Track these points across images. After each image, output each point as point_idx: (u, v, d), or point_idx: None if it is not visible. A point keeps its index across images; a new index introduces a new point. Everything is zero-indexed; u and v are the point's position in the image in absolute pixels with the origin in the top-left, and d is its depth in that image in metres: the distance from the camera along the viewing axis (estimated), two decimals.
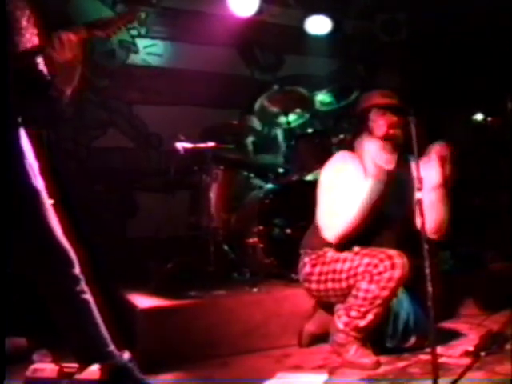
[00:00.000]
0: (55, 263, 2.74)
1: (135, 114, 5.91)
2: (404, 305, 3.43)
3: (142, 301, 3.73)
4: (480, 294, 4.46)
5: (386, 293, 3.19)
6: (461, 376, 2.87)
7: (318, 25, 6.77)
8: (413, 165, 3.38)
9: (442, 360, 3.04)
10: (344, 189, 3.38)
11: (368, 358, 3.26)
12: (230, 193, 4.80)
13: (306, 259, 3.57)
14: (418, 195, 2.88)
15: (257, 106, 5.25)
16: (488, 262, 4.86)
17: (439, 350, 2.87)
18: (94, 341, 2.80)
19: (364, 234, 3.35)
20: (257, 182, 4.96)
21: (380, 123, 3.49)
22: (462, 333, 3.84)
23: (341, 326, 3.34)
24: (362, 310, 3.24)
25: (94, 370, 2.76)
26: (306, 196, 4.27)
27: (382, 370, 3.20)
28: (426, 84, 6.10)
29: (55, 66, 2.62)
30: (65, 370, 2.96)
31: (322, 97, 5.75)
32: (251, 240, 4.34)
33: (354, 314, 3.28)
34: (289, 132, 5.43)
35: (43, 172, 2.80)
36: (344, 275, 3.34)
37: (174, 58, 6.11)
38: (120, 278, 4.30)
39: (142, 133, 5.95)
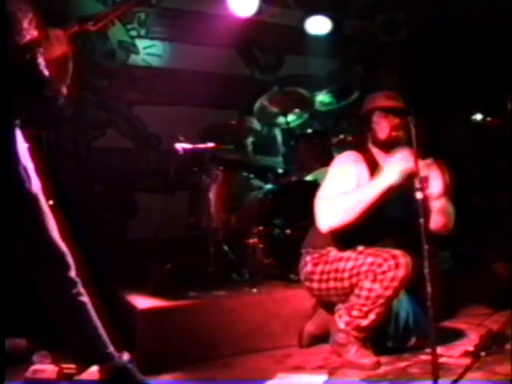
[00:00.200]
0: (52, 265, 2.74)
1: (135, 115, 5.91)
2: (404, 305, 3.42)
3: (142, 301, 3.73)
4: (480, 294, 4.46)
5: (389, 292, 3.19)
6: (461, 376, 2.87)
7: (318, 25, 6.77)
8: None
9: (442, 360, 3.04)
10: (346, 184, 3.38)
11: (368, 359, 3.25)
12: (229, 193, 4.80)
13: (308, 258, 3.56)
14: (418, 195, 2.88)
15: (256, 106, 5.25)
16: (488, 262, 4.86)
17: (439, 350, 2.86)
18: (92, 342, 2.80)
19: (367, 233, 3.34)
20: (256, 182, 4.96)
21: (383, 125, 3.48)
22: (462, 333, 3.83)
23: (342, 325, 3.33)
24: (365, 309, 3.24)
25: (93, 371, 2.76)
26: (306, 196, 4.27)
27: (382, 370, 3.20)
28: (425, 84, 6.10)
29: (46, 64, 2.59)
30: (64, 371, 2.97)
31: (321, 97, 5.76)
32: (251, 240, 4.34)
33: (355, 313, 3.27)
34: (288, 132, 5.43)
35: (42, 172, 2.79)
36: (347, 274, 3.33)
37: (174, 58, 6.11)
38: (120, 279, 4.30)
39: (142, 133, 5.95)
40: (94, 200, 5.42)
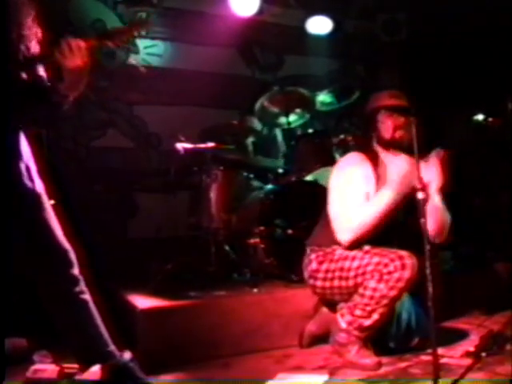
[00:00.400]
0: (55, 264, 2.74)
1: (135, 114, 5.91)
2: (406, 305, 3.42)
3: (143, 301, 3.73)
4: (481, 294, 4.46)
5: (394, 292, 3.18)
6: (461, 376, 2.86)
7: (319, 25, 6.77)
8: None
9: (443, 361, 3.05)
10: (357, 191, 3.39)
11: (369, 359, 3.25)
12: (230, 193, 4.79)
13: (313, 256, 3.55)
14: (419, 195, 2.88)
15: (257, 106, 5.25)
16: (489, 263, 4.85)
17: (440, 350, 2.86)
18: (93, 341, 2.80)
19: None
20: (257, 182, 4.96)
21: (387, 124, 3.50)
22: (463, 333, 3.83)
23: (343, 324, 3.33)
24: (368, 308, 3.23)
25: (95, 370, 2.76)
26: (307, 196, 4.29)
27: (382, 370, 3.20)
28: (426, 84, 6.09)
29: (62, 72, 2.61)
30: (65, 370, 2.97)
31: (322, 97, 5.76)
32: (252, 240, 4.34)
33: (358, 312, 3.26)
34: (289, 132, 5.43)
35: (43, 172, 2.80)
36: (352, 273, 3.32)
37: (175, 58, 6.11)
38: (120, 279, 4.30)
39: (142, 133, 5.95)
40: (95, 200, 5.42)
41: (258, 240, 4.31)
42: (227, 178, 4.80)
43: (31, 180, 2.70)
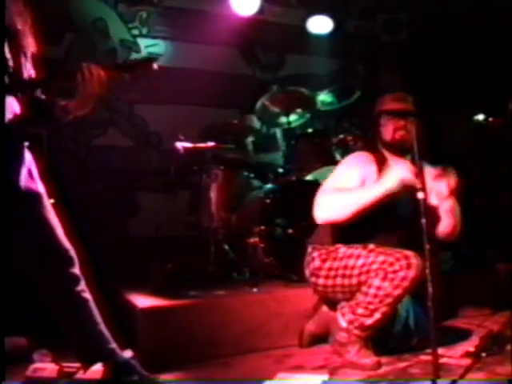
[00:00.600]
0: (55, 263, 2.76)
1: (136, 114, 5.92)
2: (406, 305, 3.42)
3: (143, 300, 3.73)
4: (481, 294, 4.46)
5: (398, 291, 3.17)
6: (461, 377, 2.87)
7: (320, 24, 6.79)
8: (426, 170, 3.49)
9: (442, 361, 3.04)
10: (348, 180, 3.42)
11: (369, 359, 3.25)
12: (230, 192, 4.79)
13: (315, 254, 3.54)
14: (419, 195, 2.88)
15: (258, 105, 5.24)
16: (489, 263, 4.86)
17: (440, 350, 2.86)
18: (95, 340, 2.82)
19: (376, 232, 3.38)
20: (257, 181, 4.96)
21: (388, 127, 3.52)
22: (463, 333, 3.83)
23: (344, 324, 3.32)
24: (371, 307, 3.22)
25: (96, 369, 2.77)
26: (307, 196, 4.28)
27: (382, 370, 3.19)
28: (426, 84, 6.09)
29: (76, 92, 2.67)
30: (65, 369, 2.97)
31: (323, 97, 5.75)
32: (252, 240, 4.34)
33: (360, 311, 3.25)
34: (289, 132, 5.43)
35: (43, 172, 2.81)
36: (356, 271, 3.31)
37: (175, 57, 6.11)
38: (120, 278, 4.31)
39: (143, 132, 5.95)
40: (95, 199, 5.42)
41: (257, 239, 4.31)
42: (227, 177, 4.80)
43: (32, 180, 2.71)
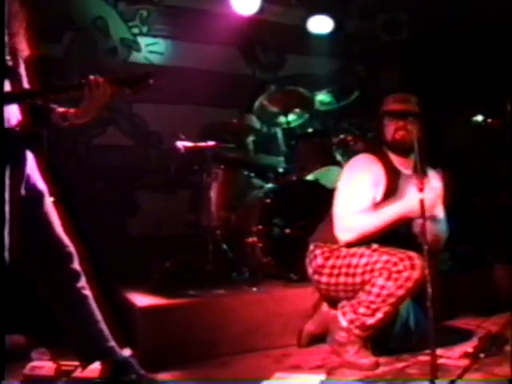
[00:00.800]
0: (56, 259, 2.78)
1: (135, 113, 5.91)
2: (406, 305, 3.42)
3: (141, 299, 3.73)
4: (479, 295, 4.46)
5: (401, 292, 3.18)
6: (459, 377, 2.86)
7: (320, 24, 6.78)
8: (430, 172, 3.59)
9: (440, 361, 3.05)
10: (364, 196, 3.42)
11: (367, 359, 3.25)
12: (230, 192, 4.79)
13: (318, 251, 3.54)
14: (419, 195, 2.88)
15: (256, 105, 5.24)
16: (488, 263, 4.85)
17: (438, 351, 2.86)
18: (94, 337, 2.83)
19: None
20: (257, 181, 4.96)
21: (389, 128, 3.54)
22: (461, 334, 3.84)
23: (344, 323, 3.33)
24: (373, 306, 3.22)
25: (94, 367, 2.78)
26: (307, 196, 4.29)
27: (380, 370, 3.20)
28: (426, 84, 6.09)
29: (82, 104, 2.73)
30: (63, 367, 2.98)
31: (321, 97, 5.75)
32: (250, 239, 4.33)
33: (362, 310, 3.26)
34: (289, 132, 5.42)
35: (43, 170, 2.82)
36: (360, 270, 3.31)
37: (176, 56, 6.12)
38: (120, 277, 4.30)
39: (142, 131, 5.95)
40: (95, 198, 5.42)
41: (255, 239, 4.31)
42: (227, 176, 4.80)
43: (33, 178, 2.73)
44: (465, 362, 3.15)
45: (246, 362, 3.47)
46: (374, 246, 3.35)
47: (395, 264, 3.19)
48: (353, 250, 3.39)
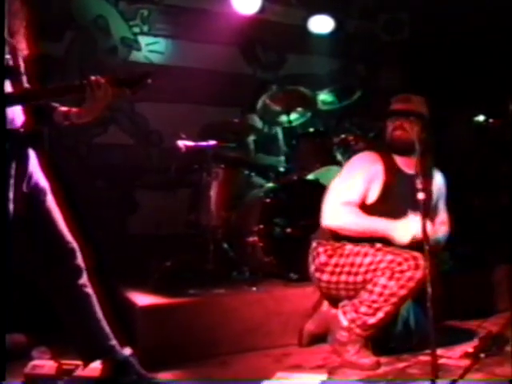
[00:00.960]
0: (59, 256, 2.79)
1: (136, 112, 5.91)
2: (407, 305, 3.41)
3: (142, 298, 3.73)
4: (480, 295, 4.46)
5: (403, 292, 3.18)
6: (460, 377, 2.87)
7: (321, 24, 6.79)
8: (435, 174, 3.65)
9: (441, 361, 3.04)
10: (353, 187, 3.45)
11: (368, 359, 3.25)
12: (230, 191, 4.79)
13: (321, 249, 3.54)
14: (419, 195, 2.88)
15: (259, 104, 5.23)
16: (488, 263, 4.85)
17: (439, 351, 2.86)
18: (95, 336, 2.84)
19: None
20: (257, 180, 4.96)
21: (388, 128, 3.58)
22: (462, 334, 3.83)
23: (345, 322, 3.32)
24: (375, 306, 3.22)
25: (95, 366, 2.77)
26: (307, 195, 4.28)
27: (381, 370, 3.20)
28: (426, 84, 6.09)
29: (84, 104, 2.72)
30: (64, 366, 2.97)
31: (323, 96, 5.74)
32: (251, 239, 4.32)
33: (363, 309, 3.25)
34: (290, 131, 5.42)
35: (44, 168, 2.82)
36: (363, 269, 3.30)
37: (176, 55, 6.12)
38: (120, 275, 4.30)
39: (143, 130, 5.95)
40: (95, 196, 5.42)
41: (256, 238, 4.30)
42: (228, 176, 4.80)
43: (35, 175, 2.73)
44: (465, 362, 3.16)
45: (247, 362, 3.47)
46: (378, 245, 3.35)
47: (399, 264, 3.18)
48: (356, 248, 3.39)
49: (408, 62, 6.92)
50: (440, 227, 3.64)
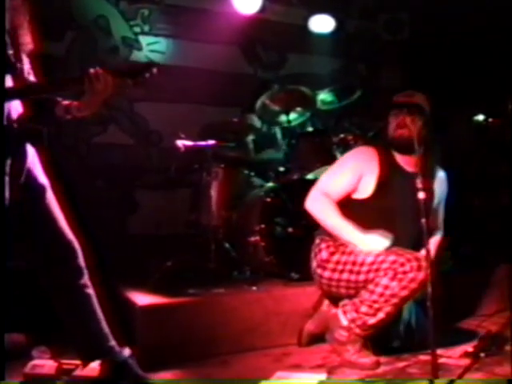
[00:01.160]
0: (60, 255, 2.78)
1: (136, 111, 5.91)
2: (406, 305, 3.41)
3: (142, 298, 3.73)
4: (480, 294, 4.46)
5: (405, 293, 3.16)
6: (459, 377, 2.87)
7: (321, 23, 6.79)
8: (437, 174, 3.64)
9: (441, 360, 3.04)
10: (341, 179, 3.51)
11: (368, 358, 3.25)
12: (230, 191, 4.79)
13: (323, 245, 3.52)
14: (419, 195, 2.88)
15: (258, 104, 5.23)
16: (488, 263, 4.85)
17: (439, 350, 2.86)
18: (95, 337, 2.83)
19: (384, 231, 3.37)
20: (257, 180, 4.96)
21: (391, 125, 3.55)
22: (462, 334, 3.84)
23: (345, 322, 3.32)
24: (376, 306, 3.21)
25: (94, 366, 2.77)
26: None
27: (381, 369, 3.20)
28: (426, 84, 6.09)
29: (84, 96, 2.73)
30: (64, 366, 2.97)
31: (323, 96, 5.73)
32: (252, 238, 4.32)
33: (364, 309, 3.24)
34: (289, 131, 5.42)
35: (45, 165, 2.82)
36: (365, 268, 3.28)
37: (177, 55, 6.12)
38: (120, 275, 4.30)
39: (143, 130, 5.95)
40: (95, 196, 5.42)
41: (258, 238, 4.30)
42: (228, 175, 4.80)
43: (35, 173, 2.73)
44: (465, 361, 3.16)
45: (246, 361, 3.47)
46: None
47: (402, 264, 3.16)
48: None
49: (408, 61, 6.93)
50: (434, 242, 3.70)
